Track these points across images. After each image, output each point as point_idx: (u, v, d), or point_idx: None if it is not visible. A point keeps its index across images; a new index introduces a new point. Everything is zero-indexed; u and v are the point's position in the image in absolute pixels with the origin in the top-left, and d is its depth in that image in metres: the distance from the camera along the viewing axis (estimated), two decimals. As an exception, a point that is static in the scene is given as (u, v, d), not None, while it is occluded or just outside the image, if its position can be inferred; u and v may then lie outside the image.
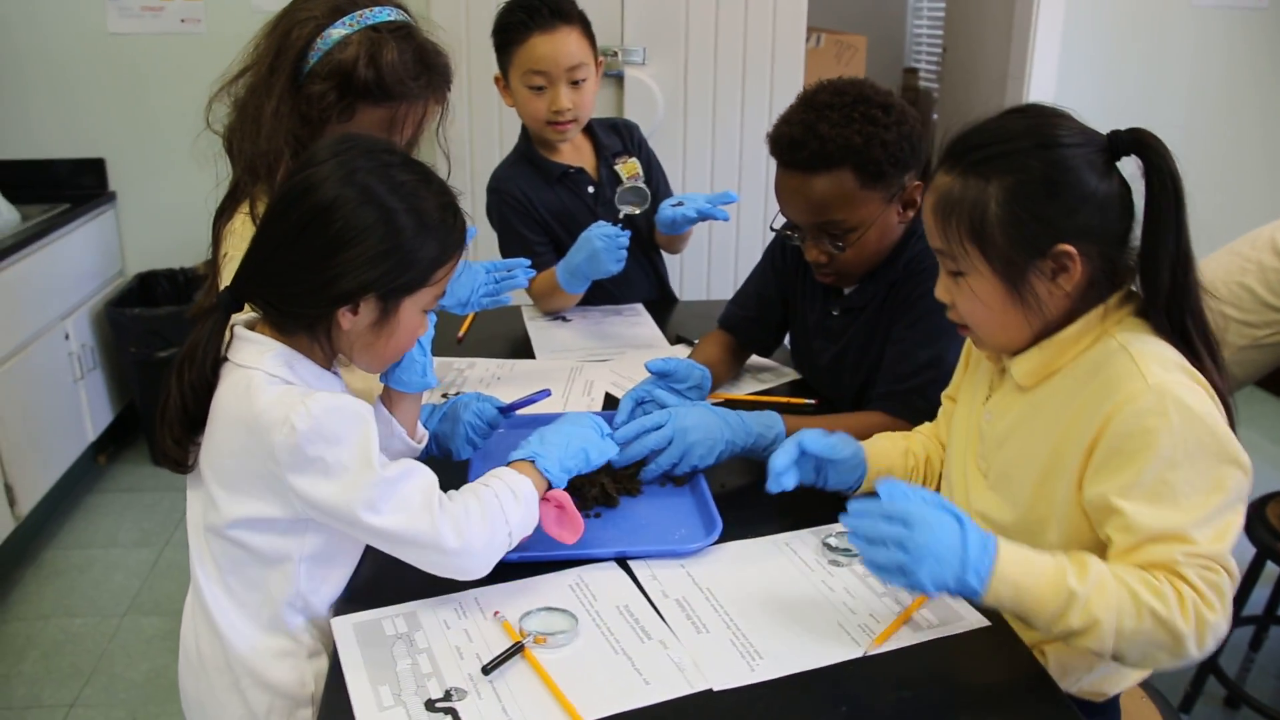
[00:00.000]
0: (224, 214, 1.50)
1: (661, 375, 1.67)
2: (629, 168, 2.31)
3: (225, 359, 1.24)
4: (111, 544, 3.21)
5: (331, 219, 1.17)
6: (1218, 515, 1.11)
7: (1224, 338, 2.27)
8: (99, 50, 3.64)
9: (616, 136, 2.36)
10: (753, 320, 1.95)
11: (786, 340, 2.00)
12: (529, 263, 2.00)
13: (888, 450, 1.48)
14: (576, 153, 2.31)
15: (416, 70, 1.48)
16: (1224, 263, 2.32)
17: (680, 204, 2.10)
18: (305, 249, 1.18)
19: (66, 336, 3.33)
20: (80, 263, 3.51)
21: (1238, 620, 2.40)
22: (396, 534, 1.19)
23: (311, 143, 1.44)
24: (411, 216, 1.20)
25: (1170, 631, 1.09)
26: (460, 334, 2.15)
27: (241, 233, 1.46)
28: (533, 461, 1.33)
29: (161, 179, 3.68)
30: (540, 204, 2.26)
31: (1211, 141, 4.14)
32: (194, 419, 1.24)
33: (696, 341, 2.01)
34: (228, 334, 1.25)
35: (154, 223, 3.75)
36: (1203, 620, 1.10)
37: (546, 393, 1.62)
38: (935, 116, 5.35)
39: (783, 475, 1.35)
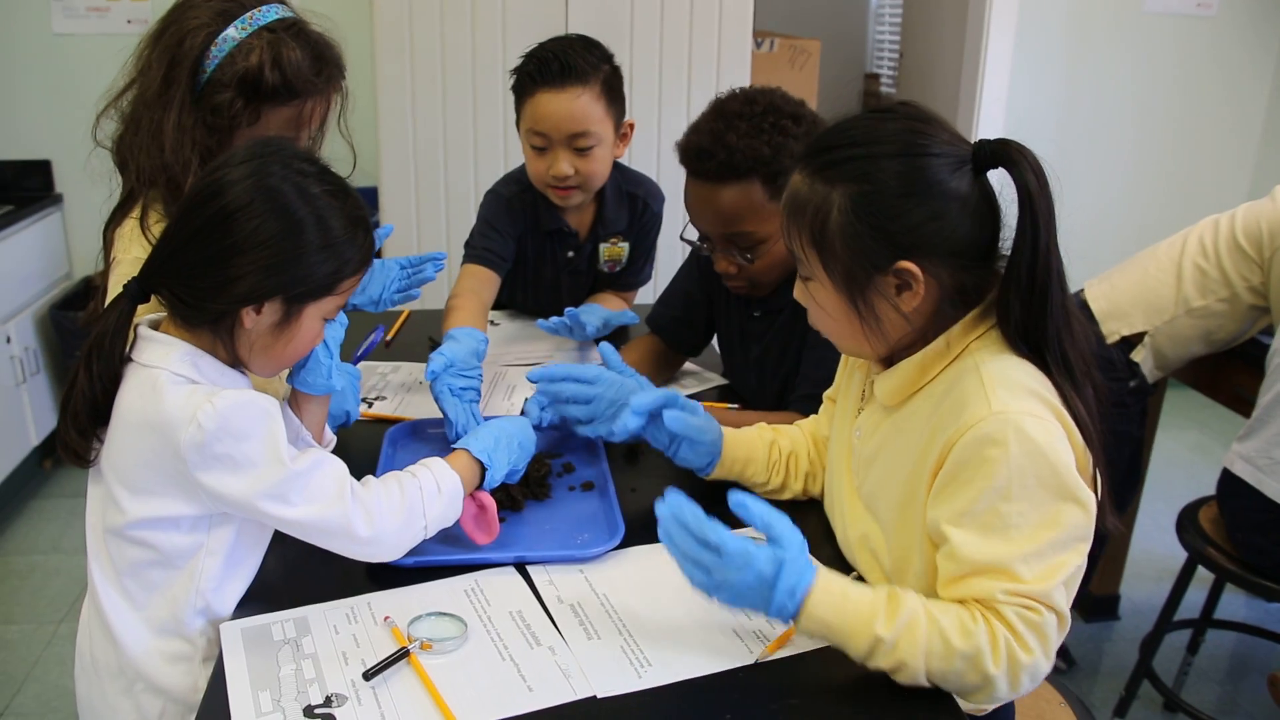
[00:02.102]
0: (114, 223, 1.48)
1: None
2: (613, 251, 2.20)
3: (129, 359, 1.24)
4: (54, 550, 3.18)
5: (238, 223, 1.17)
6: (1049, 552, 1.08)
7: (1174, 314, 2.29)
8: (44, 51, 3.62)
9: (626, 211, 2.18)
10: (679, 320, 1.94)
11: (715, 343, 2.00)
12: (443, 256, 1.95)
13: (752, 441, 1.46)
14: (577, 212, 2.16)
15: (316, 65, 1.48)
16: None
17: (584, 325, 1.99)
18: (210, 248, 1.18)
19: (9, 340, 3.29)
20: (24, 265, 3.48)
21: (1174, 624, 2.41)
22: (308, 524, 1.20)
23: (220, 151, 1.42)
24: (318, 229, 1.20)
25: (980, 673, 1.08)
26: (388, 338, 2.14)
27: (130, 237, 1.44)
28: (476, 457, 1.35)
29: (109, 181, 3.65)
30: (524, 232, 2.15)
31: (1162, 145, 4.18)
32: (101, 411, 1.24)
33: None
34: (131, 332, 1.25)
35: (102, 225, 3.71)
36: (1016, 662, 1.07)
37: (380, 329, 1.67)
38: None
39: (633, 415, 1.39)
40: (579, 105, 1.93)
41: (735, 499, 1.12)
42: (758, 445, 1.46)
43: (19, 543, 3.22)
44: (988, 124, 3.97)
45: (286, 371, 1.41)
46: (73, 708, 1.27)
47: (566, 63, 1.92)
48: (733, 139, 1.54)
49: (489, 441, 1.37)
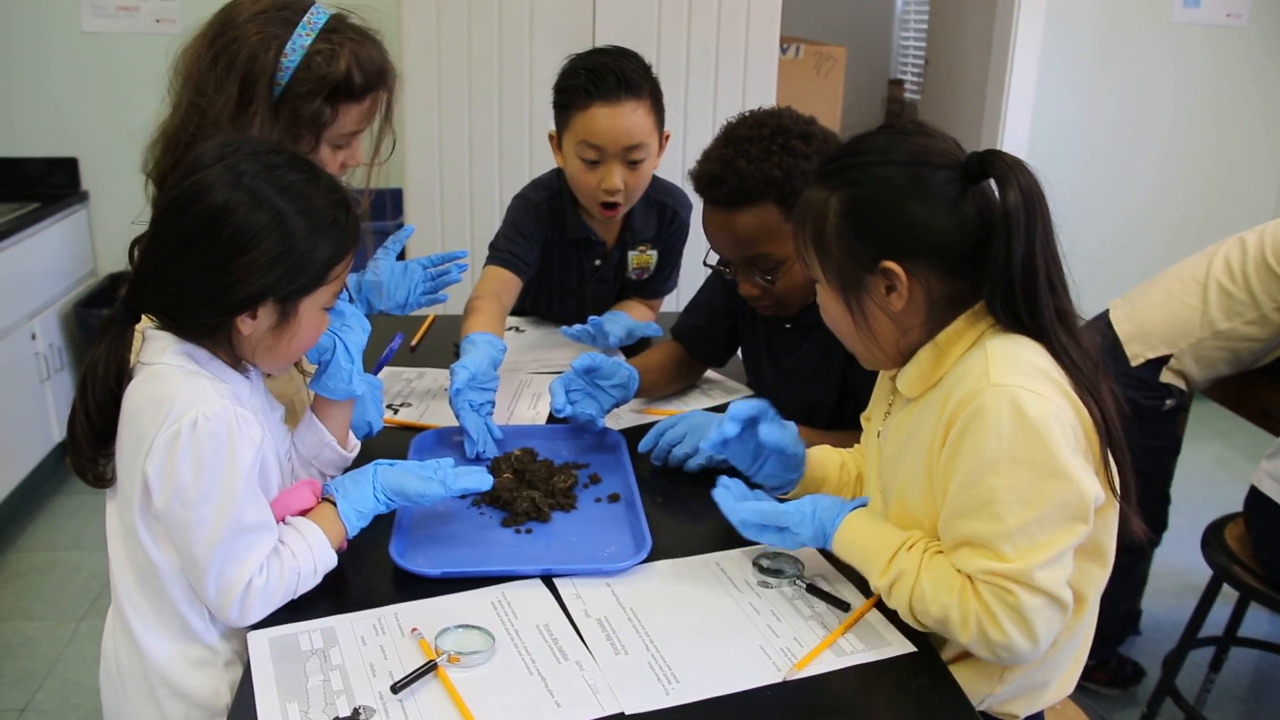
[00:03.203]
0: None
1: (586, 371, 1.68)
2: (641, 259, 2.19)
3: (139, 363, 1.23)
4: (75, 546, 3.19)
5: (223, 225, 1.15)
6: (1035, 529, 1.09)
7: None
8: (73, 49, 3.63)
9: (655, 220, 2.17)
10: (701, 330, 1.93)
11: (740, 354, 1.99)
12: (464, 254, 1.95)
13: (826, 462, 1.48)
14: (606, 221, 2.12)
15: (381, 59, 1.51)
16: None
17: (608, 334, 2.01)
18: (198, 257, 1.17)
19: (33, 337, 3.31)
20: (49, 262, 3.50)
21: (1196, 641, 2.39)
22: (201, 567, 1.18)
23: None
24: (303, 217, 1.19)
25: (954, 638, 1.14)
26: (414, 342, 2.14)
27: None
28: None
29: (135, 179, 3.65)
30: (551, 239, 2.13)
31: (1191, 156, 4.15)
32: (100, 434, 1.24)
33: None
34: (138, 339, 1.24)
35: (127, 223, 3.71)
36: (988, 639, 1.11)
37: (399, 336, 1.67)
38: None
39: (731, 421, 1.40)
40: (635, 118, 1.92)
41: (739, 520, 1.33)
42: (831, 466, 1.48)
43: (41, 539, 3.23)
44: (1013, 132, 3.95)
45: (310, 376, 1.41)
46: (93, 704, 1.29)
47: (622, 75, 1.90)
48: (743, 164, 1.55)
49: (365, 521, 1.32)
